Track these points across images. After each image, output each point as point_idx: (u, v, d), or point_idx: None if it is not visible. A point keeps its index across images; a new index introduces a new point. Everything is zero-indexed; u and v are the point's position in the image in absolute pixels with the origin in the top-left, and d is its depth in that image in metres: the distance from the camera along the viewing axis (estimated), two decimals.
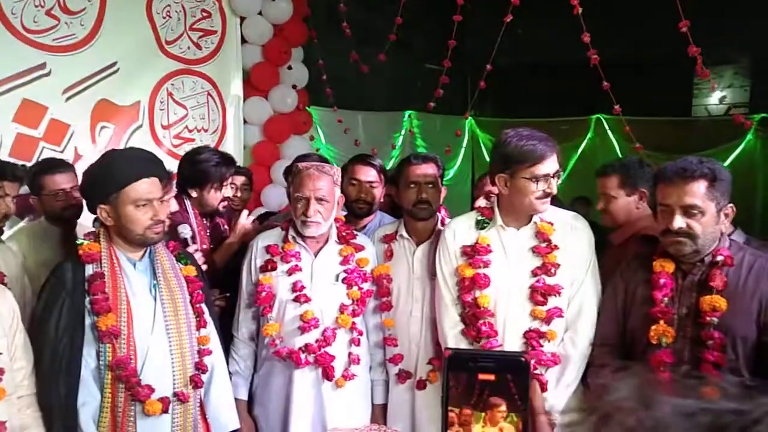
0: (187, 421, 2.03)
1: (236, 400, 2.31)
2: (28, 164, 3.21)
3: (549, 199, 2.08)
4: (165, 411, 1.95)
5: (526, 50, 6.34)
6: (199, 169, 2.64)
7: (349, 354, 2.32)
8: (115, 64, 4.05)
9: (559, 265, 2.08)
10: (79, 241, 2.01)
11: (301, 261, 2.32)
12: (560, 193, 2.23)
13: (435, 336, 2.32)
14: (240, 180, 3.41)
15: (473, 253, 2.15)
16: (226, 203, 2.80)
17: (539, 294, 2.07)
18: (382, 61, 5.06)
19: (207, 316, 2.14)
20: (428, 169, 2.41)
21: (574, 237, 2.12)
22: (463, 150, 7.75)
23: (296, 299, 2.28)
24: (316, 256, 2.35)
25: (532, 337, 2.06)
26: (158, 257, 2.07)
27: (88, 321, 1.92)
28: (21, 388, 1.82)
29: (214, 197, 2.67)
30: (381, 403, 2.44)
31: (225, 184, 2.69)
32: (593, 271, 2.12)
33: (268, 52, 4.99)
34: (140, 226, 1.95)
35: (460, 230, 2.22)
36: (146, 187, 1.94)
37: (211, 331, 2.15)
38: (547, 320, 2.06)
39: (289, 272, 2.30)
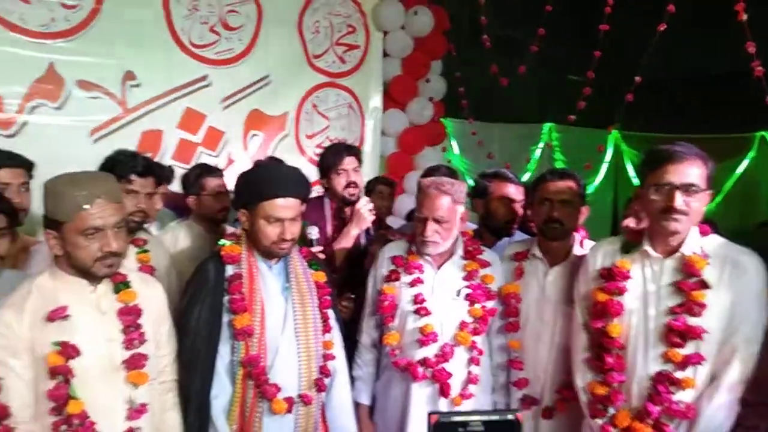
0: (308, 423, 2.11)
1: (359, 404, 2.37)
2: (186, 166, 3.56)
3: (680, 219, 1.83)
4: (289, 411, 2.03)
5: (678, 60, 5.89)
6: (321, 160, 2.91)
7: (468, 373, 2.28)
8: (267, 76, 4.36)
9: (705, 305, 1.85)
10: (221, 242, 2.15)
11: (424, 273, 2.33)
12: (715, 218, 2.01)
13: (565, 363, 2.21)
14: (382, 189, 3.54)
15: (609, 277, 2.01)
16: (352, 190, 2.87)
17: (676, 335, 1.87)
18: (522, 73, 4.97)
19: (333, 321, 2.21)
20: (564, 185, 2.27)
21: (734, 275, 1.85)
22: (605, 166, 7.38)
23: (417, 311, 2.28)
24: (438, 270, 2.34)
25: (661, 382, 1.88)
26: (291, 262, 2.17)
27: (225, 318, 2.03)
28: (163, 374, 1.97)
29: (338, 182, 2.82)
30: None
31: (341, 168, 2.82)
32: (756, 320, 1.84)
33: (408, 65, 5.10)
34: (268, 240, 2.05)
35: (603, 252, 2.08)
36: (281, 205, 2.02)
37: (335, 335, 2.22)
38: (682, 365, 1.86)
39: (411, 284, 2.32)
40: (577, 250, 2.31)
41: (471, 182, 5.10)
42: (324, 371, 2.14)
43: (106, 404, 1.76)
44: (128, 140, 3.65)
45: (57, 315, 1.72)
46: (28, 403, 1.68)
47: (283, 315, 2.09)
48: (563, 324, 2.24)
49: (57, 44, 3.49)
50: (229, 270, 2.08)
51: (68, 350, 1.70)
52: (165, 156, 3.86)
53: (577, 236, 2.34)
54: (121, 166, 2.39)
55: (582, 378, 2.07)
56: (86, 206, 1.69)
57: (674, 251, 1.93)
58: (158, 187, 2.49)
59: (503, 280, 2.39)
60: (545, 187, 2.30)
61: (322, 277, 2.22)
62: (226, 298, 2.05)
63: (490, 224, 2.70)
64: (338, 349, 2.23)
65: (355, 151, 2.97)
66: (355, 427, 2.29)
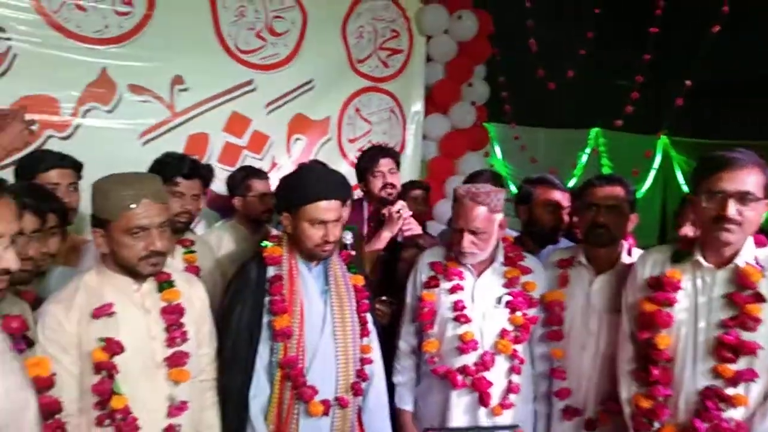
0: (345, 425, 2.11)
1: (402, 411, 2.36)
2: (231, 169, 3.63)
3: (732, 228, 1.75)
4: (326, 413, 2.04)
5: (731, 64, 5.70)
6: (358, 163, 3.04)
7: (509, 382, 2.25)
8: (311, 81, 4.39)
9: (760, 320, 1.77)
10: (263, 243, 2.18)
11: (464, 280, 2.30)
12: None
13: (610, 374, 2.15)
14: (417, 193, 3.52)
15: (658, 287, 1.94)
16: (389, 191, 2.94)
17: (728, 349, 1.79)
18: (569, 77, 4.90)
19: (371, 326, 2.21)
20: (611, 191, 2.21)
21: None
22: (653, 173, 7.17)
23: (456, 319, 2.26)
24: (479, 277, 2.31)
25: (709, 397, 1.80)
26: (331, 264, 2.18)
27: (265, 319, 2.05)
28: (204, 373, 2.00)
29: (374, 184, 2.90)
30: None
31: (378, 170, 2.91)
32: None
33: (451, 70, 5.07)
34: (311, 242, 2.07)
35: (652, 261, 2.01)
36: (324, 208, 2.04)
37: (373, 340, 2.22)
38: (733, 381, 1.78)
39: (451, 291, 2.29)
40: (624, 258, 2.24)
41: (514, 188, 5.05)
42: (361, 375, 2.14)
43: (147, 400, 1.80)
44: (176, 143, 3.73)
45: (102, 312, 1.77)
46: (75, 397, 1.73)
47: (322, 317, 2.10)
48: (609, 333, 2.17)
49: (110, 50, 3.59)
50: (271, 271, 2.11)
51: (113, 346, 1.75)
52: (211, 159, 3.93)
53: (625, 244, 2.27)
54: (169, 168, 2.46)
55: (627, 390, 2.01)
56: (132, 206, 1.74)
57: (727, 262, 1.85)
58: (205, 189, 2.54)
59: (546, 287, 2.34)
60: (592, 192, 2.24)
61: (360, 280, 2.23)
62: (266, 299, 2.07)
63: (534, 231, 2.64)
64: (375, 353, 2.23)
65: (391, 153, 3.02)
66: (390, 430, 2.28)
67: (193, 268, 2.45)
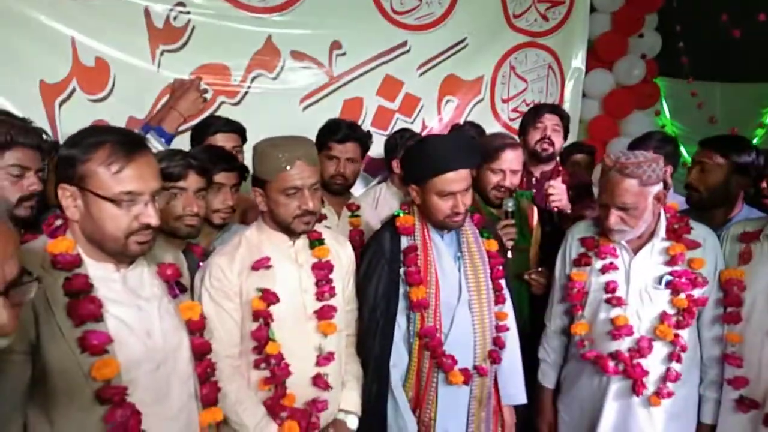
0: (483, 393, 2.12)
1: (543, 387, 2.32)
2: (384, 133, 3.70)
3: None
4: (466, 383, 2.05)
5: None
6: (523, 118, 3.10)
7: (668, 369, 2.07)
8: (465, 39, 4.30)
9: None
10: (396, 212, 2.20)
11: (618, 259, 2.12)
12: None
13: None
14: (579, 157, 3.38)
15: None
16: (545, 146, 2.95)
17: None
18: (760, 22, 4.30)
19: (505, 291, 2.17)
20: None
21: None
22: None
23: (608, 301, 2.10)
24: (635, 254, 2.12)
25: None
26: (463, 231, 2.15)
27: (401, 289, 2.07)
28: (350, 327, 2.11)
29: (533, 136, 2.96)
30: (709, 423, 2.13)
31: (540, 122, 2.93)
32: None
33: (618, 21, 4.69)
34: (441, 214, 2.05)
35: None
36: (452, 179, 2.01)
37: (507, 306, 2.19)
38: None
39: (603, 270, 2.13)
40: None
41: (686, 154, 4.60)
42: (498, 343, 2.12)
43: (299, 349, 1.93)
44: (332, 108, 3.88)
45: (261, 264, 1.92)
46: (236, 342, 1.90)
47: (457, 286, 2.09)
48: None
49: (273, 18, 3.78)
50: (404, 241, 2.11)
51: (269, 296, 1.89)
52: (365, 123, 4.03)
53: None
54: (323, 133, 2.62)
55: None
56: (288, 167, 1.85)
57: None
58: (363, 153, 2.63)
59: (722, 263, 2.11)
60: None
61: (494, 245, 2.18)
62: (402, 269, 2.09)
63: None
64: (510, 320, 2.20)
65: (559, 111, 2.96)
66: (524, 395, 2.25)
67: (357, 231, 2.56)
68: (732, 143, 2.41)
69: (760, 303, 2.01)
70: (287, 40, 3.83)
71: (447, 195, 2.02)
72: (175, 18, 3.50)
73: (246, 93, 3.78)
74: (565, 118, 2.98)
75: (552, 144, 2.83)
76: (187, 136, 2.87)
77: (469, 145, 2.16)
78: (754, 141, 5.27)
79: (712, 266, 2.10)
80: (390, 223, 2.19)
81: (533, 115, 2.94)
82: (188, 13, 3.56)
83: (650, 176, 1.98)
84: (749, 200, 2.47)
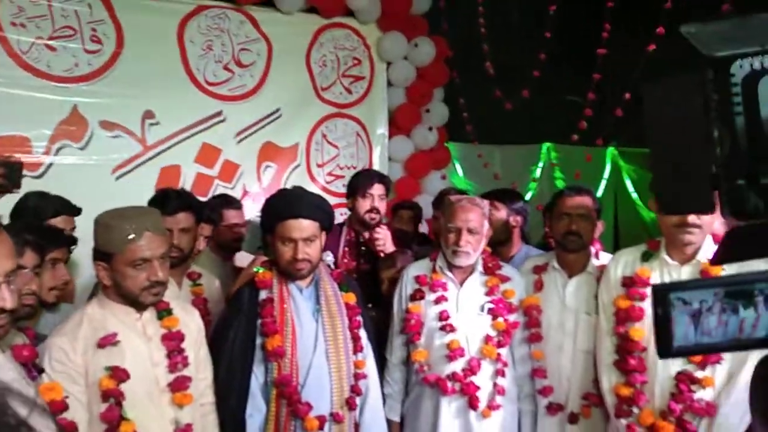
0: None
1: (390, 421, 2.46)
2: (203, 199, 3.68)
3: (694, 231, 2.00)
4: (321, 428, 2.12)
5: None
6: (351, 181, 3.12)
7: (494, 384, 2.38)
8: (278, 110, 4.50)
9: None
10: (256, 269, 2.28)
11: (448, 291, 2.43)
12: None
13: (587, 370, 2.33)
14: (403, 213, 3.70)
15: (631, 284, 2.16)
16: (373, 215, 3.00)
17: None
18: (524, 97, 5.15)
19: (364, 341, 2.31)
20: (582, 200, 2.42)
21: None
22: (604, 183, 7.51)
23: (442, 328, 2.39)
24: (461, 286, 2.45)
25: (682, 381, 2.00)
26: (323, 285, 2.28)
27: (258, 341, 2.14)
28: (204, 396, 2.06)
29: (362, 205, 2.97)
30: None
31: (369, 192, 2.98)
32: None
33: (411, 94, 5.26)
34: (283, 260, 2.18)
35: (623, 261, 2.23)
36: (292, 226, 2.15)
37: (367, 355, 2.32)
38: (702, 365, 1.98)
39: (436, 301, 2.42)
40: (593, 262, 2.44)
41: None
42: (355, 390, 2.23)
43: (154, 425, 1.85)
44: (148, 176, 3.80)
45: (107, 341, 1.83)
46: (85, 426, 1.77)
47: (314, 336, 2.18)
48: (584, 332, 2.35)
49: (80, 87, 3.64)
50: (262, 294, 2.19)
51: (119, 374, 1.81)
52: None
53: (593, 249, 2.47)
54: (153, 206, 2.54)
55: (608, 381, 2.18)
56: (135, 238, 1.82)
57: (690, 258, 2.08)
58: (198, 221, 2.60)
59: (524, 293, 2.50)
60: (564, 202, 2.44)
61: (352, 298, 2.32)
62: (259, 321, 2.15)
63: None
64: (370, 369, 2.32)
65: (385, 181, 3.12)
66: None
67: (201, 300, 2.52)
68: (505, 194, 2.98)
69: (553, 322, 2.44)
70: (95, 109, 3.71)
71: (288, 241, 2.15)
72: None
73: (51, 165, 3.54)
74: (389, 186, 3.23)
75: (378, 212, 3.08)
76: None
77: (318, 203, 2.31)
78: (530, 193, 6.17)
79: (519, 296, 2.49)
80: (251, 280, 2.25)
81: (363, 182, 3.03)
82: None
83: (487, 211, 2.43)
84: (535, 242, 2.98)
